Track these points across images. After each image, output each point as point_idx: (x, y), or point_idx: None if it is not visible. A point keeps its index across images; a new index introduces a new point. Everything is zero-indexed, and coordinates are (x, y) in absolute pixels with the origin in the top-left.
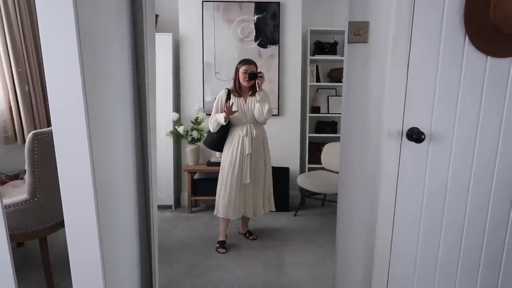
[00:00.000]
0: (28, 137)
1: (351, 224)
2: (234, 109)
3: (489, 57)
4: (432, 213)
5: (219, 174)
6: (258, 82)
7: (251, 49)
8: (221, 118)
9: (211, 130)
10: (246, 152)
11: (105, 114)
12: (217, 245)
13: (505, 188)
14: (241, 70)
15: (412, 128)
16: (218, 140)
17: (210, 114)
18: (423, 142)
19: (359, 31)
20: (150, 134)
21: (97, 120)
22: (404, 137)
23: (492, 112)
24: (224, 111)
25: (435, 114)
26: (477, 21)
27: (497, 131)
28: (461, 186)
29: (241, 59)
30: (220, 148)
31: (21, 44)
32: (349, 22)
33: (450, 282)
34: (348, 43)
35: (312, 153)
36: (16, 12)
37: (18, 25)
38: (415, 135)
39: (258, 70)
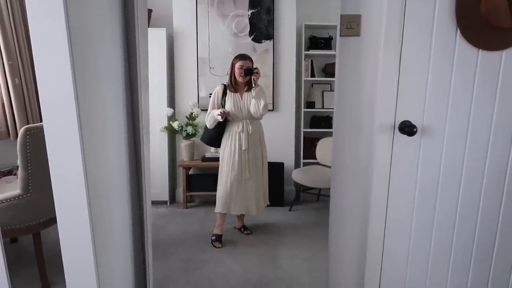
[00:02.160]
0: (20, 132)
1: (343, 218)
2: (228, 109)
3: (480, 50)
4: (424, 207)
5: (219, 170)
6: (253, 78)
7: (246, 44)
8: (217, 115)
9: (208, 127)
10: (243, 148)
11: (96, 109)
12: (213, 237)
13: (496, 181)
14: (237, 65)
15: (404, 121)
16: (215, 136)
17: (204, 110)
18: (415, 136)
19: (351, 24)
20: (143, 129)
21: (89, 116)
22: (397, 130)
23: (484, 104)
24: (221, 113)
25: (427, 107)
26: (468, 15)
27: (488, 124)
28: (453, 179)
29: (235, 54)
30: (217, 144)
31: (13, 36)
32: (341, 15)
33: (442, 276)
34: (340, 36)
35: (307, 148)
36: (6, 3)
37: (9, 16)
38: (407, 128)
39: (254, 66)
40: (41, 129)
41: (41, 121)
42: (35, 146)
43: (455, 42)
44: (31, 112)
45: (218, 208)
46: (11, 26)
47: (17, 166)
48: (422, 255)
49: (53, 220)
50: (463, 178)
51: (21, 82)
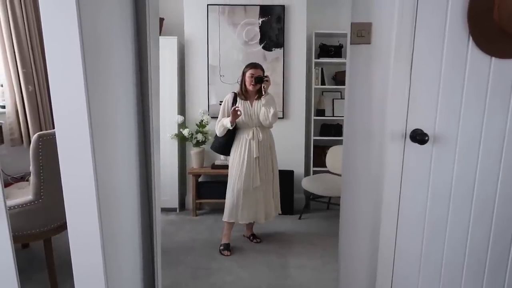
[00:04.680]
0: (33, 138)
1: (354, 226)
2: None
3: (493, 58)
4: (437, 215)
5: (228, 178)
6: (264, 86)
7: (256, 52)
8: (227, 122)
9: (218, 134)
10: (254, 156)
11: (107, 117)
12: (221, 247)
13: (510, 189)
14: (248, 73)
15: (415, 129)
16: (225, 143)
17: (214, 117)
18: (427, 144)
19: (362, 32)
20: (153, 136)
21: (100, 123)
22: (408, 139)
23: (497, 113)
24: (230, 110)
25: (438, 115)
26: (481, 21)
27: (502, 132)
28: (465, 188)
29: (246, 62)
30: (227, 152)
31: (27, 44)
32: (351, 23)
33: (455, 284)
34: (351, 44)
35: (317, 156)
36: (22, 10)
37: (24, 25)
38: (418, 137)
39: (264, 74)
40: (53, 136)
41: (53, 128)
42: (48, 152)
43: (467, 49)
44: (44, 119)
45: (226, 216)
46: (26, 34)
47: (30, 172)
48: (434, 262)
49: (64, 226)
50: (476, 186)
51: (35, 90)
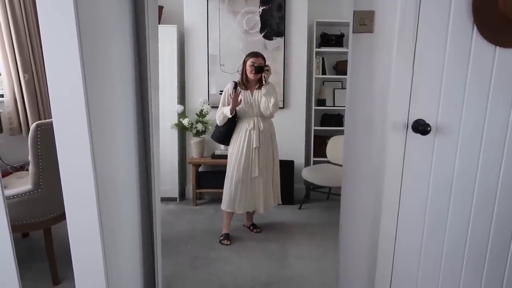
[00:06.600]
0: (31, 127)
1: (355, 217)
2: (239, 106)
3: (497, 47)
4: (438, 207)
5: (227, 168)
6: (264, 76)
7: (257, 41)
8: (227, 111)
9: (218, 124)
10: (254, 146)
11: (106, 106)
12: (221, 237)
13: None
14: (249, 62)
15: (417, 120)
16: (225, 133)
17: (215, 107)
18: (429, 134)
19: (365, 21)
20: (152, 126)
21: (98, 112)
22: (410, 129)
23: (500, 103)
24: (231, 97)
25: (441, 105)
26: (486, 10)
27: (505, 123)
28: (467, 179)
29: (246, 51)
30: (228, 142)
31: (25, 32)
32: (354, 11)
33: (455, 276)
34: (353, 32)
35: (317, 146)
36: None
37: (21, 12)
38: (420, 127)
39: (265, 64)
40: (52, 125)
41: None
42: (46, 142)
43: (471, 38)
44: (43, 108)
45: (224, 206)
46: (23, 22)
47: (29, 162)
48: (434, 254)
49: (63, 216)
50: (478, 177)
51: (33, 78)
